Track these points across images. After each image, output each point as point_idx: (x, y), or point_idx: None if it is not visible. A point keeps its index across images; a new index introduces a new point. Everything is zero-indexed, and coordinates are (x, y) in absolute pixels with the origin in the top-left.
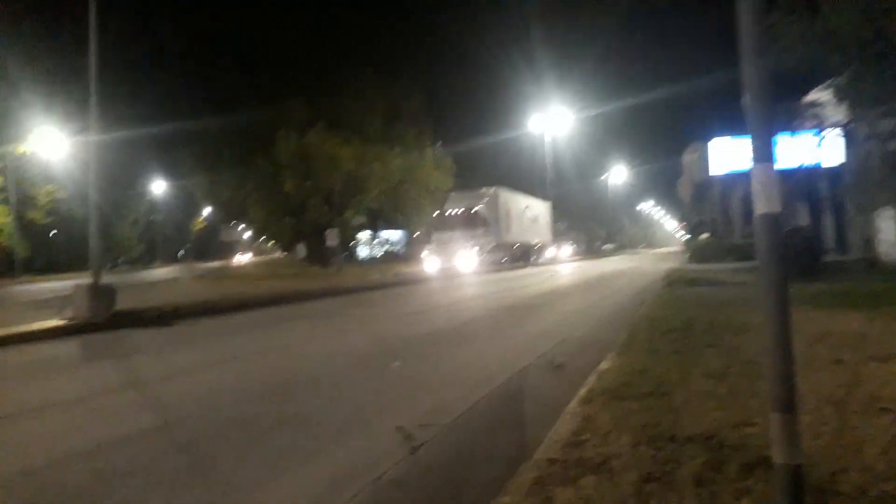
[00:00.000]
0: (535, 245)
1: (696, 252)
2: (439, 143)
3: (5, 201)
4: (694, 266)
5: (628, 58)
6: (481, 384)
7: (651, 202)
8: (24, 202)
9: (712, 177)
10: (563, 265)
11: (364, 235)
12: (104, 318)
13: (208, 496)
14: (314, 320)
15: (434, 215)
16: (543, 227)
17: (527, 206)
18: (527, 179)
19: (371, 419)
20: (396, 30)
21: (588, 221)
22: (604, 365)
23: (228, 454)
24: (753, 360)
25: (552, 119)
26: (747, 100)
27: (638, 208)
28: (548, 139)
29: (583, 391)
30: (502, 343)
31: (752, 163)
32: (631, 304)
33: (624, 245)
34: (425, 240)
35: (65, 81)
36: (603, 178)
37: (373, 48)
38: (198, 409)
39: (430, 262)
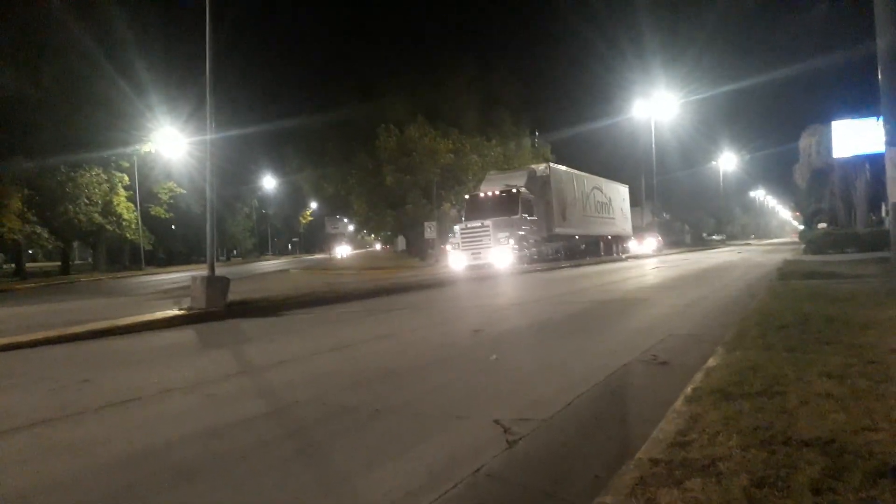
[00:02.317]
0: (608, 237)
1: (813, 242)
2: (537, 133)
3: (132, 198)
4: (810, 257)
5: (740, 38)
6: (581, 380)
7: (763, 191)
8: (147, 198)
9: (834, 160)
10: (659, 259)
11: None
12: (219, 308)
13: (315, 481)
14: (413, 311)
15: (465, 198)
16: (620, 216)
17: (594, 189)
18: (628, 167)
19: (469, 411)
20: (495, 17)
21: (695, 211)
22: (711, 362)
23: (333, 441)
24: (878, 360)
25: (656, 104)
26: (881, 77)
27: (749, 196)
28: (651, 125)
29: (689, 389)
30: (603, 338)
31: (887, 146)
32: (741, 298)
33: (734, 235)
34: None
35: (182, 84)
36: (711, 165)
37: (471, 38)
38: (305, 395)
39: (454, 258)
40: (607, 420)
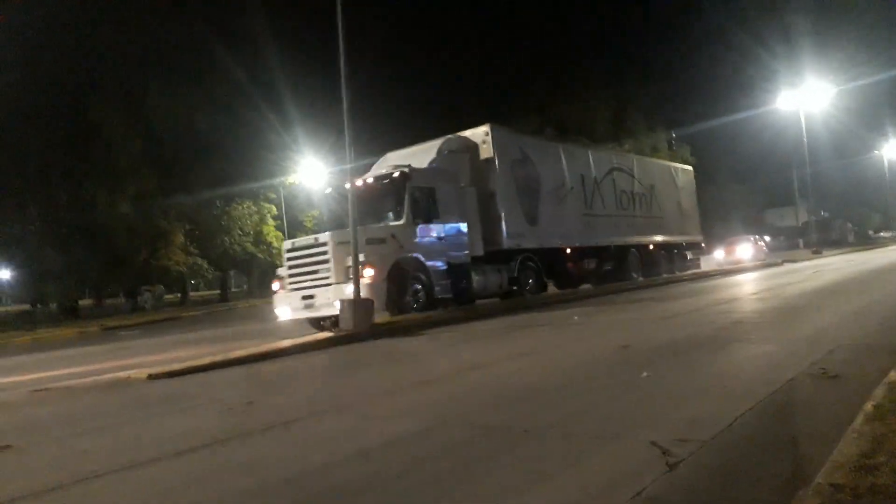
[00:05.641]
0: (648, 245)
1: None
2: (673, 134)
3: (279, 227)
4: None
5: None
6: (741, 397)
7: None
8: (293, 226)
9: None
10: (761, 273)
11: None
12: (365, 329)
13: (471, 500)
14: (551, 328)
15: (326, 193)
16: (674, 213)
17: (614, 172)
18: (773, 162)
19: (622, 431)
20: (625, 19)
21: (857, 207)
22: (893, 376)
23: (484, 461)
24: None
25: (806, 94)
26: None
27: None
28: (801, 116)
29: (869, 406)
30: (761, 350)
31: None
32: None
33: None
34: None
35: (324, 115)
36: (873, 154)
37: (601, 43)
38: (452, 414)
39: (279, 303)
40: (775, 441)
